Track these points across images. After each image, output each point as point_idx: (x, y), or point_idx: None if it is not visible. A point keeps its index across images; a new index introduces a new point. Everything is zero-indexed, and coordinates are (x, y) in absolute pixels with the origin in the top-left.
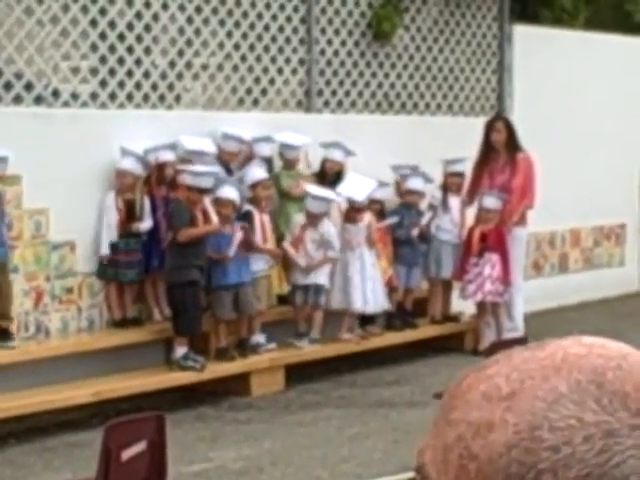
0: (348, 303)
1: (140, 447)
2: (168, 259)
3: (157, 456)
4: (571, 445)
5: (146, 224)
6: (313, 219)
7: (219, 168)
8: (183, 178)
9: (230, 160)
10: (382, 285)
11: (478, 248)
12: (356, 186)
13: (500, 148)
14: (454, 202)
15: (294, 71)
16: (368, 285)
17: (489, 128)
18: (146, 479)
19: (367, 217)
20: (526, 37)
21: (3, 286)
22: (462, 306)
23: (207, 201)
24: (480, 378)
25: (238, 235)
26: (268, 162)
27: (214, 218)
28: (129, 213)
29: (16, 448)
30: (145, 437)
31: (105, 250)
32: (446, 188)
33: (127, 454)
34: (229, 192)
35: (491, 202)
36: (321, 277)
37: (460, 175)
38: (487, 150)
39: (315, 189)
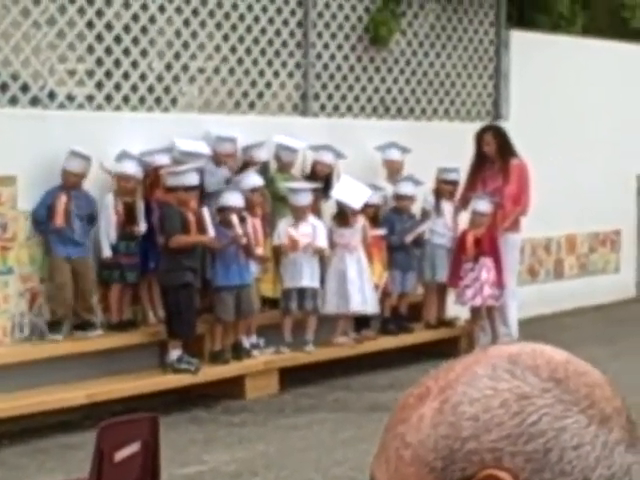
0: (345, 305)
1: (133, 448)
2: (162, 262)
3: (150, 458)
4: (489, 411)
5: (141, 227)
6: (301, 213)
7: (216, 169)
8: (166, 180)
9: (226, 162)
10: (373, 289)
11: (473, 253)
12: (351, 191)
13: (493, 157)
14: (447, 207)
15: (290, 74)
16: (366, 287)
17: (479, 140)
18: None
19: (361, 220)
20: (523, 43)
21: (86, 281)
22: (457, 311)
23: (205, 211)
24: (414, 388)
25: (239, 233)
26: (264, 166)
27: (210, 229)
28: (128, 216)
29: (9, 449)
30: (139, 438)
31: (107, 252)
32: (439, 194)
33: (120, 455)
34: (233, 199)
35: (483, 206)
36: (315, 280)
37: (453, 183)
38: (480, 158)
39: (297, 184)
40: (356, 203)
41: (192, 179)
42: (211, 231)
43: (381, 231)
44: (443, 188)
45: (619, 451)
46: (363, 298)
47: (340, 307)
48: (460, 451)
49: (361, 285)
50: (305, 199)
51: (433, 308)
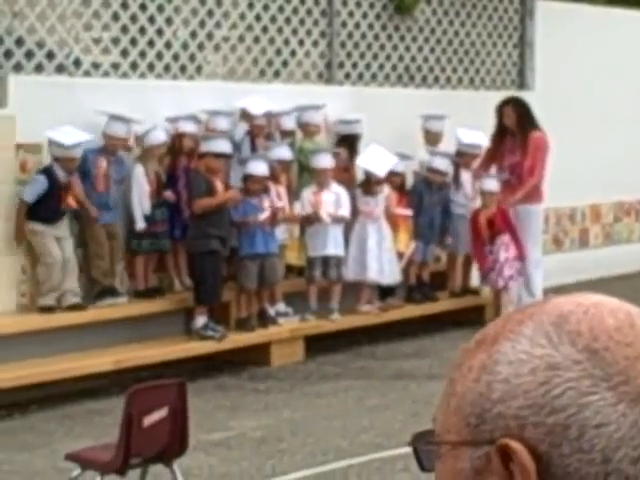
0: (364, 274)
1: (162, 413)
2: (190, 229)
3: (178, 423)
4: (519, 377)
5: (167, 194)
6: (323, 179)
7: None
8: (201, 146)
9: (258, 133)
10: (396, 258)
11: (488, 235)
12: (376, 159)
13: (513, 129)
14: (466, 176)
15: (315, 43)
16: (385, 257)
17: (499, 113)
18: (167, 445)
19: (386, 189)
20: (548, 12)
21: (116, 247)
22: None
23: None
24: (483, 329)
25: (266, 205)
26: (290, 135)
27: (233, 189)
28: (158, 184)
29: (38, 415)
30: (166, 404)
31: (141, 224)
32: (458, 163)
33: (149, 420)
34: (258, 167)
35: (491, 184)
36: (339, 248)
37: (473, 155)
38: (501, 130)
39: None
40: (380, 171)
41: (222, 146)
42: (234, 189)
43: (408, 211)
44: (462, 159)
45: None
46: (380, 268)
47: (358, 274)
48: (490, 412)
49: (379, 254)
50: (326, 162)
51: (457, 277)
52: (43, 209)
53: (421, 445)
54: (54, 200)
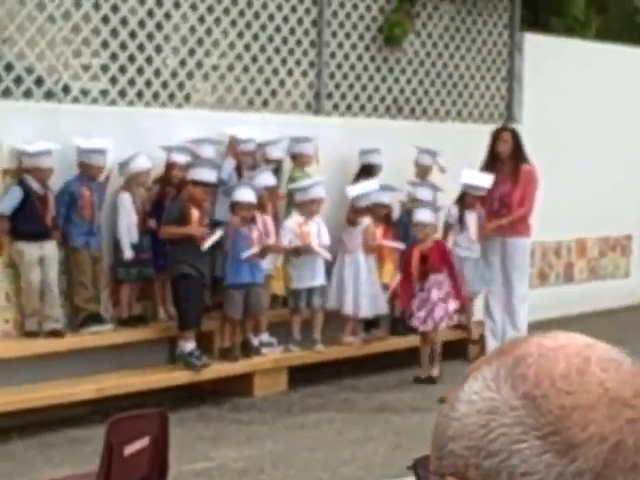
0: (341, 305)
1: (143, 443)
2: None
3: (159, 453)
4: (468, 417)
5: (150, 222)
6: (314, 209)
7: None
8: (187, 174)
9: (244, 162)
10: (380, 289)
11: (420, 272)
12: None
13: (505, 159)
14: (471, 218)
15: (304, 73)
16: (361, 289)
17: (495, 138)
18: (147, 475)
19: (365, 221)
20: (537, 46)
21: (100, 273)
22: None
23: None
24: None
25: (255, 235)
26: (278, 165)
27: (202, 229)
28: (144, 211)
29: (18, 442)
30: (148, 433)
31: (129, 253)
32: (463, 205)
33: (130, 449)
34: (245, 194)
35: (424, 215)
36: (321, 278)
37: (477, 196)
38: (492, 160)
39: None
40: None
41: (207, 175)
42: (201, 225)
43: (398, 244)
44: (470, 200)
45: None
46: (357, 302)
47: (338, 304)
48: (445, 448)
49: (356, 288)
50: (319, 193)
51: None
52: (23, 223)
53: (421, 471)
54: (33, 213)
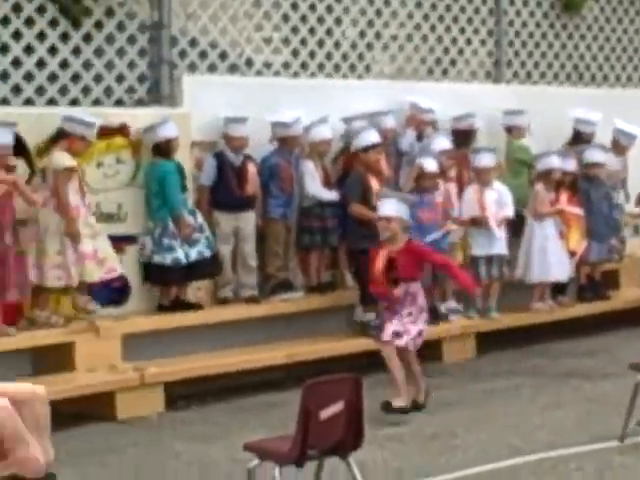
0: (528, 271)
1: (338, 407)
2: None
3: (354, 417)
4: None
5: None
6: (484, 177)
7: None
8: (354, 143)
9: (424, 131)
10: (566, 255)
11: (386, 279)
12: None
13: None
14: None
15: (483, 42)
16: (549, 255)
17: None
18: (343, 439)
19: (538, 187)
20: None
21: (289, 244)
22: None
23: None
24: None
25: (439, 202)
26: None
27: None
28: (327, 179)
29: (213, 407)
30: (342, 398)
31: (329, 194)
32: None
33: (325, 413)
34: (428, 164)
35: (389, 208)
36: (503, 248)
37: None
38: None
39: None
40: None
41: (371, 137)
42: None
43: (578, 210)
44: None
45: None
46: (549, 266)
47: (529, 274)
48: None
49: (550, 254)
50: (488, 160)
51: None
52: (219, 195)
53: None
54: (228, 185)
